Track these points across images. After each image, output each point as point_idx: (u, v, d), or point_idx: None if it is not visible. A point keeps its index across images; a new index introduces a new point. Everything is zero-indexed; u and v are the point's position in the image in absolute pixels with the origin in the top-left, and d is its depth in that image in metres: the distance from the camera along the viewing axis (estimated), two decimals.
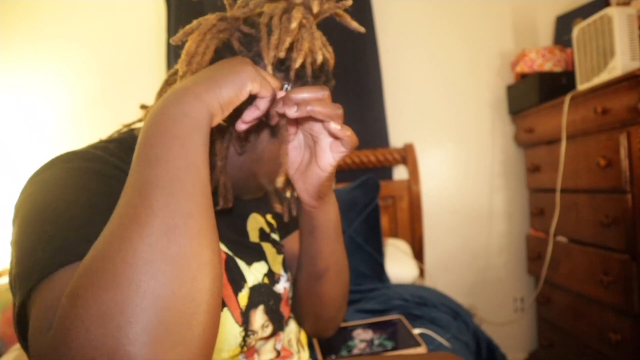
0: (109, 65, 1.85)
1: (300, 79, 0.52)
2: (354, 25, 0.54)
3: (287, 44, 0.47)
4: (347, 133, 0.48)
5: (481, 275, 1.93)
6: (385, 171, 1.83)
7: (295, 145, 0.54)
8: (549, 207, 1.63)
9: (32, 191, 0.44)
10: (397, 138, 1.88)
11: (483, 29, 1.90)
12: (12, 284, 0.40)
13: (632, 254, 1.21)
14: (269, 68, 0.48)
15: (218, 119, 0.41)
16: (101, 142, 0.53)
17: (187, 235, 0.32)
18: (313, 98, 0.47)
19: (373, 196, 1.45)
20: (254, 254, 0.62)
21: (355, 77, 1.79)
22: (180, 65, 0.49)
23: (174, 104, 0.38)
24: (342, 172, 1.78)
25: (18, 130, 1.79)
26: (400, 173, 1.87)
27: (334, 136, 0.49)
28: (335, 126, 0.47)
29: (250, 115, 0.47)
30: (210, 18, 0.51)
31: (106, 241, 0.31)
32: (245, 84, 0.42)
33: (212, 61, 0.50)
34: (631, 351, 1.22)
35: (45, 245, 0.38)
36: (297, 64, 0.49)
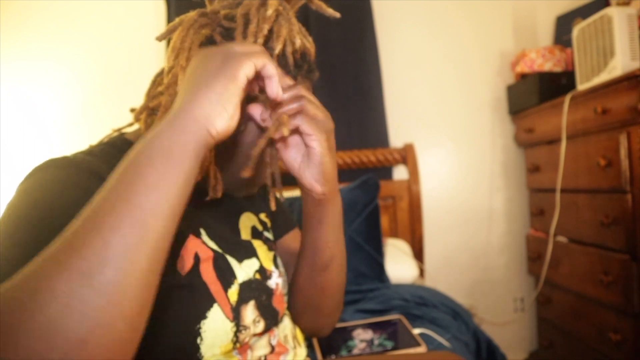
0: (109, 65, 1.85)
1: (283, 69, 0.53)
2: (330, 12, 0.55)
3: (265, 31, 0.48)
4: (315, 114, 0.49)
5: (481, 275, 1.93)
6: (385, 171, 1.83)
7: (295, 142, 0.54)
8: (549, 207, 1.63)
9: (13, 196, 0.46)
10: (397, 138, 1.88)
11: (483, 29, 1.90)
12: None
13: (632, 254, 1.21)
14: None
15: (224, 122, 0.39)
16: (89, 148, 0.55)
17: (98, 287, 0.30)
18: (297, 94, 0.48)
19: (373, 196, 1.45)
20: (245, 251, 0.62)
21: (355, 77, 1.78)
22: (167, 61, 0.50)
23: (155, 140, 0.36)
24: (342, 172, 1.78)
25: (18, 130, 1.79)
26: (400, 173, 1.87)
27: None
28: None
29: (272, 86, 0.44)
30: (192, 14, 0.52)
31: (32, 272, 0.31)
32: (236, 68, 0.39)
33: None
34: (631, 351, 1.22)
35: None
36: (277, 49, 0.50)
